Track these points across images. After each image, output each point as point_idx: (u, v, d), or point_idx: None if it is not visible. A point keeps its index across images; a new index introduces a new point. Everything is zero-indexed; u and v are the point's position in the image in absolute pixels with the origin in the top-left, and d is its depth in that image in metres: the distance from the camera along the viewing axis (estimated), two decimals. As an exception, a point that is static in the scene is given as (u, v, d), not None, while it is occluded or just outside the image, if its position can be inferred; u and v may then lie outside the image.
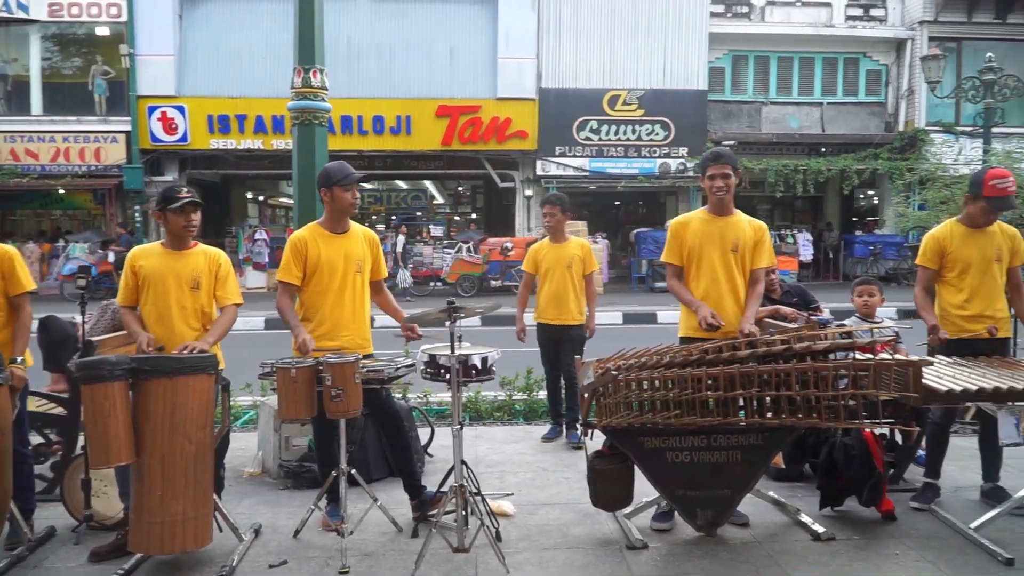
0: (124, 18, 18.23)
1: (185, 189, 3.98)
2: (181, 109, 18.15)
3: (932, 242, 4.40)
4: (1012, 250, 4.32)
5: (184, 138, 18.30)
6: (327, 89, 5.14)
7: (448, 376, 3.75)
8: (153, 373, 3.36)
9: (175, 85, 18.25)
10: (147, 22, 18.09)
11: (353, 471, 3.88)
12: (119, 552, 3.67)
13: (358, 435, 4.76)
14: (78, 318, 4.40)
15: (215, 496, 3.71)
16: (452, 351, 3.65)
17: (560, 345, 5.68)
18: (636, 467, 3.84)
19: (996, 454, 4.28)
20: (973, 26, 19.89)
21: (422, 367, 4.07)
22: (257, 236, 19.31)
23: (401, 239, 18.00)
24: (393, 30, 18.68)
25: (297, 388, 3.51)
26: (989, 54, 13.02)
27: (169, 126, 18.17)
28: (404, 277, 17.45)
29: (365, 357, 4.08)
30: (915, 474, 4.74)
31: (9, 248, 3.90)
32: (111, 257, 17.21)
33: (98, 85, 18.67)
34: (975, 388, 3.44)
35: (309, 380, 3.55)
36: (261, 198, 24.85)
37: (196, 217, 3.95)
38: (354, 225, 4.25)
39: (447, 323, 3.64)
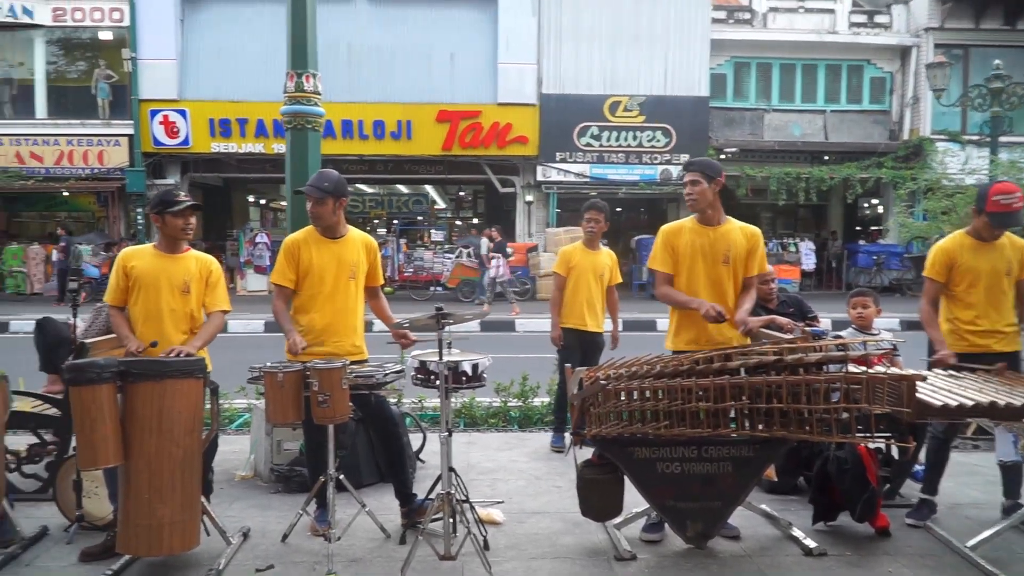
0: (127, 22, 18.30)
1: (183, 193, 3.99)
2: (183, 113, 18.19)
3: (941, 254, 4.32)
4: (1022, 263, 4.26)
5: (186, 141, 18.35)
6: (320, 94, 5.12)
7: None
8: (141, 376, 3.35)
9: (177, 89, 18.31)
10: (149, 26, 18.16)
11: (341, 476, 3.86)
12: (109, 553, 3.67)
13: (349, 440, 4.75)
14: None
15: (203, 499, 3.69)
16: (440, 357, 3.62)
17: (588, 352, 5.70)
18: (626, 477, 3.81)
19: (1014, 470, 4.20)
20: (980, 33, 19.82)
21: (412, 373, 4.05)
22: (258, 239, 19.34)
23: (484, 241, 17.98)
24: (393, 35, 18.71)
25: (284, 393, 3.49)
26: (996, 61, 12.93)
27: (171, 129, 18.22)
28: (502, 275, 17.14)
29: (358, 363, 4.07)
30: (912, 490, 4.71)
31: None
32: (55, 256, 17.16)
33: (101, 89, 18.74)
34: (971, 403, 3.40)
35: (296, 385, 3.53)
36: (262, 201, 24.86)
37: (194, 220, 3.97)
38: (352, 230, 4.23)
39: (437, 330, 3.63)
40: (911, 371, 3.59)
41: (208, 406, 3.72)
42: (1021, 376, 4.09)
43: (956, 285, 4.26)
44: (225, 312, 4.06)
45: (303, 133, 5.17)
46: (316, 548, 3.84)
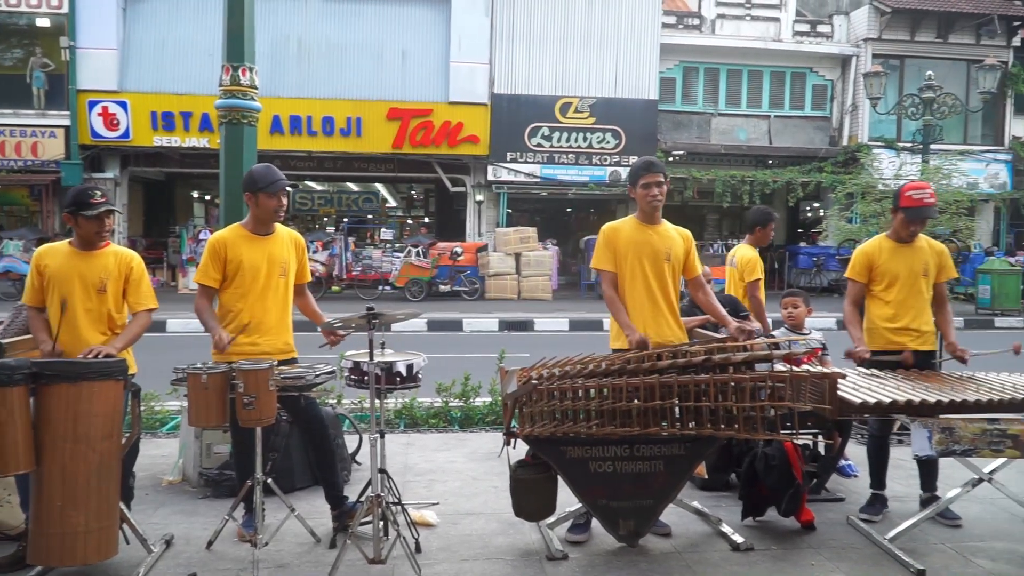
0: (65, 9, 17.71)
1: (99, 193, 3.83)
2: (123, 104, 17.70)
3: (861, 256, 4.47)
4: (939, 266, 4.41)
5: (126, 134, 17.85)
6: (256, 88, 5.01)
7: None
8: (55, 378, 3.21)
9: (117, 79, 17.78)
10: (89, 14, 17.59)
11: (269, 480, 3.79)
12: (20, 564, 3.52)
13: (282, 443, 4.67)
14: (-4, 318, 4.24)
15: (123, 506, 3.58)
16: (371, 358, 3.58)
17: None
18: (559, 477, 3.81)
19: (931, 464, 4.33)
20: (916, 45, 20.45)
21: (346, 374, 4.01)
22: (202, 236, 18.86)
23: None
24: (345, 31, 18.51)
25: (208, 395, 3.40)
26: (929, 72, 13.34)
27: (110, 122, 17.70)
28: None
29: (287, 362, 4.00)
30: (836, 483, 4.83)
31: None
32: None
33: (36, 78, 18.12)
34: (888, 400, 3.49)
35: (221, 387, 3.44)
36: (207, 197, 24.35)
37: (110, 222, 3.83)
38: (279, 227, 4.16)
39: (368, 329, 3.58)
40: (833, 369, 3.67)
41: (129, 409, 3.61)
42: (935, 374, 4.24)
43: (876, 285, 4.42)
44: (151, 311, 3.94)
45: (238, 128, 5.05)
46: (242, 555, 3.76)
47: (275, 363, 3.58)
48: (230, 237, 3.99)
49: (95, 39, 17.59)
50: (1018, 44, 20.68)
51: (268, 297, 4.00)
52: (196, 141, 18.03)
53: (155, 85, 17.94)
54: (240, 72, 4.96)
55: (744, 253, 5.67)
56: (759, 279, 5.53)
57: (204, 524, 4.14)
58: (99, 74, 17.67)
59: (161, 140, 18.01)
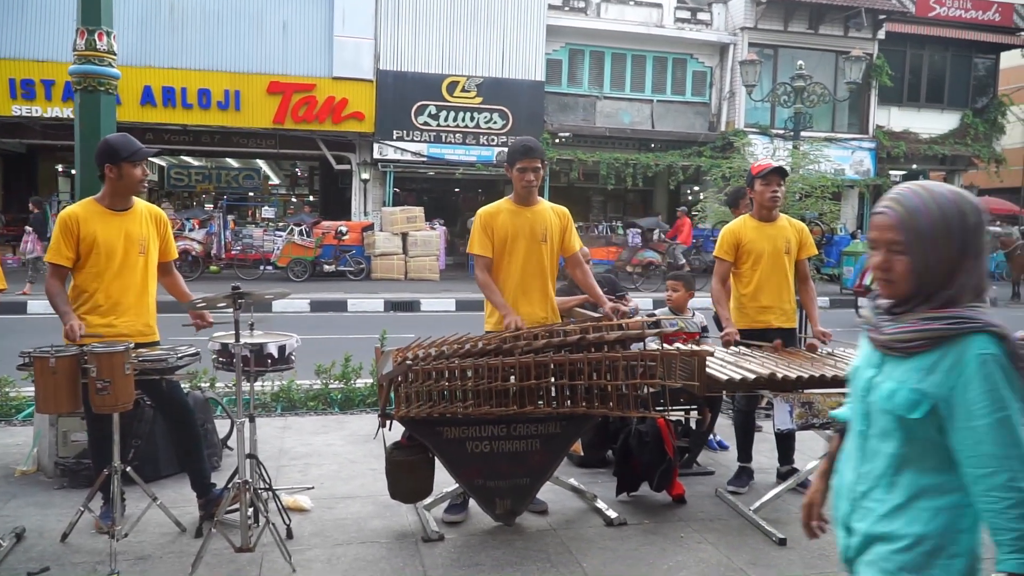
0: (-93, -36, 16.15)
1: None
2: (-24, 70, 16.31)
3: (728, 235, 4.64)
4: (800, 243, 4.63)
5: (-20, 103, 16.48)
6: (115, 54, 4.69)
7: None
8: None
9: (-31, 43, 16.36)
10: (-65, -30, 16.10)
11: (129, 468, 3.60)
12: None
13: (146, 428, 4.44)
14: None
15: (-37, 501, 3.32)
16: (237, 339, 3.44)
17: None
18: (436, 458, 3.79)
19: (789, 438, 4.55)
20: (789, 35, 21.34)
21: (214, 356, 3.84)
22: (66, 212, 17.71)
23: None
24: (221, -2, 17.65)
25: (57, 380, 3.18)
26: (800, 62, 13.95)
27: (-39, 89, 16.28)
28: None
29: (148, 345, 3.79)
30: (708, 457, 5.01)
31: None
32: None
33: None
34: (752, 376, 3.63)
35: (71, 371, 3.22)
36: (73, 171, 22.84)
37: None
38: (138, 202, 3.92)
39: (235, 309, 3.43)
40: (701, 348, 3.79)
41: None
42: (797, 351, 4.45)
43: (742, 264, 4.58)
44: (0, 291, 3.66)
45: (95, 96, 4.71)
46: (100, 547, 3.55)
47: (131, 345, 3.38)
48: (83, 212, 3.74)
49: (-59, -3, 16.11)
50: (883, 37, 21.95)
51: (125, 276, 3.78)
52: (59, 111, 16.76)
53: (14, 50, 16.55)
54: (96, 36, 4.62)
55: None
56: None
57: (59, 516, 3.90)
58: (-53, 36, 16.20)
59: (20, 109, 16.68)
